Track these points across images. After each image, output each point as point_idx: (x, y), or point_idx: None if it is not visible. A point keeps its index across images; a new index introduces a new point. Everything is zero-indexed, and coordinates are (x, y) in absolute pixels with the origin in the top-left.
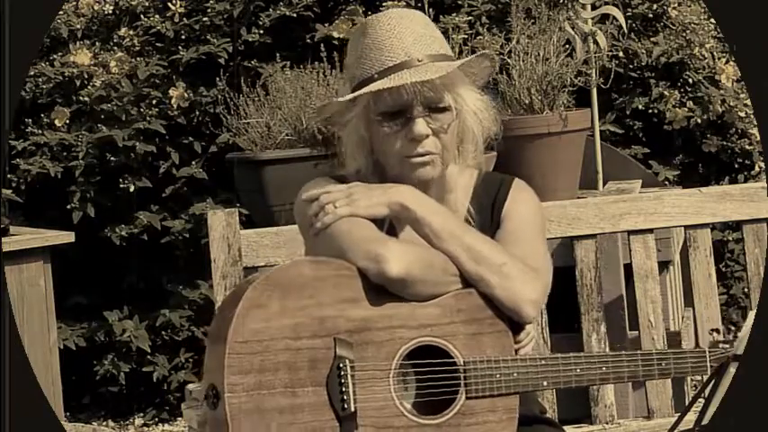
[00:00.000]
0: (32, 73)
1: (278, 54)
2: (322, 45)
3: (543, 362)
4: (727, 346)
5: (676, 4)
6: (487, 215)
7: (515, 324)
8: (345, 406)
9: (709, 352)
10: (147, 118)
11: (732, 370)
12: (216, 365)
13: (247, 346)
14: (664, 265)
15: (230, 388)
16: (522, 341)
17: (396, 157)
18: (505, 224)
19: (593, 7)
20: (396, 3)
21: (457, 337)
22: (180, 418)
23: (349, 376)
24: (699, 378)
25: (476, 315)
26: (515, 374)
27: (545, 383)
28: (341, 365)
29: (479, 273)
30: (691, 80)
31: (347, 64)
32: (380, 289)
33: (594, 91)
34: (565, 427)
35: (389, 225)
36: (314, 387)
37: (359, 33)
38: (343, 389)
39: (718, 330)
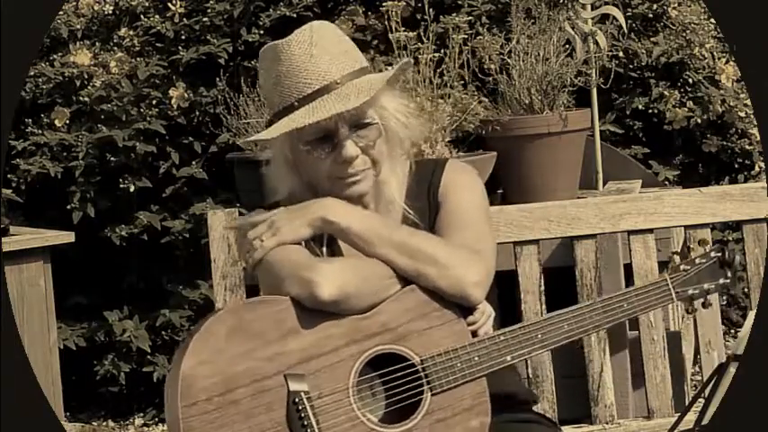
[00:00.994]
0: (32, 73)
1: None
2: None
3: (502, 337)
4: (689, 267)
5: (676, 4)
6: (425, 202)
7: (466, 308)
8: None
9: (671, 279)
10: (147, 118)
11: (732, 370)
12: (174, 424)
13: (199, 407)
14: (664, 265)
15: None
16: (477, 321)
17: (327, 178)
18: (444, 207)
19: (593, 7)
20: (395, 2)
21: (408, 337)
22: None
23: (308, 408)
24: (699, 378)
25: (423, 311)
26: (476, 358)
27: (509, 358)
28: (296, 400)
29: (416, 268)
30: (691, 80)
31: (261, 86)
32: (318, 312)
33: (594, 91)
34: (565, 428)
35: (329, 239)
36: (275, 429)
37: (270, 59)
38: (305, 422)
39: (677, 252)
